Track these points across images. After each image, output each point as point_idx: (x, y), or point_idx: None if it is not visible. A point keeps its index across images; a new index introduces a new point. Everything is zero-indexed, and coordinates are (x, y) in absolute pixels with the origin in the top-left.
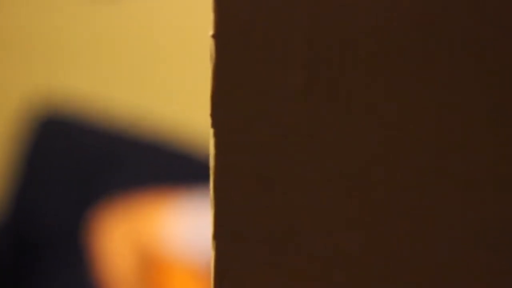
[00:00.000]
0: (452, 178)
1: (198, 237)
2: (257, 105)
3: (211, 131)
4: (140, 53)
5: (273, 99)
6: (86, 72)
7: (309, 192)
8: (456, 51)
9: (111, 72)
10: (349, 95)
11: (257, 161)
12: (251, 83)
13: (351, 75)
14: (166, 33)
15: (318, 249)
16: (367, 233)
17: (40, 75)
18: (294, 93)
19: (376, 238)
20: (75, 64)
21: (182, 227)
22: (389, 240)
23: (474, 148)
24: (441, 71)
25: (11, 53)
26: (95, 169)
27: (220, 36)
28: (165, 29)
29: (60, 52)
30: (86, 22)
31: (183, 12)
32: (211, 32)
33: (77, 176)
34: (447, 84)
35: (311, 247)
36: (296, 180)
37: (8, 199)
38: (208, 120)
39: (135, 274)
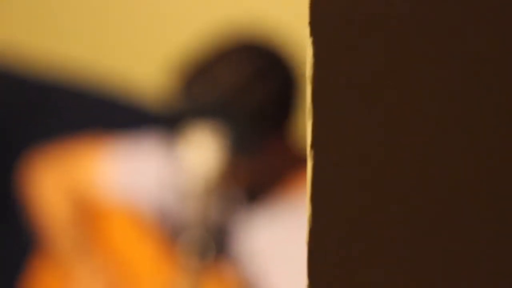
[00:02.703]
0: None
1: (135, 182)
2: (355, 10)
3: (309, 41)
4: (73, 3)
5: (372, 4)
6: (17, 20)
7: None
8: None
9: (42, 20)
10: None
11: (355, 68)
12: None
13: None
14: None
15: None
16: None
17: None
18: None
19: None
20: (7, 13)
21: (118, 172)
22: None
23: None
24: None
25: None
26: (24, 117)
27: None
28: None
29: None
30: None
31: None
32: None
33: (4, 124)
34: None
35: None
36: (396, 84)
37: None
38: (140, 66)
39: (71, 221)
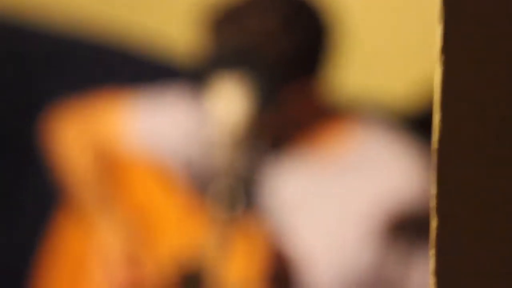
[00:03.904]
0: None
1: (159, 134)
2: None
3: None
4: None
5: None
6: None
7: None
8: None
9: None
10: None
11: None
12: None
13: None
14: None
15: None
16: None
17: None
18: None
19: None
20: None
21: (141, 125)
22: None
23: None
24: None
25: None
26: (47, 71)
27: None
28: None
29: None
30: None
31: None
32: None
33: (23, 79)
34: None
35: None
36: None
37: None
38: (165, 18)
39: (94, 174)
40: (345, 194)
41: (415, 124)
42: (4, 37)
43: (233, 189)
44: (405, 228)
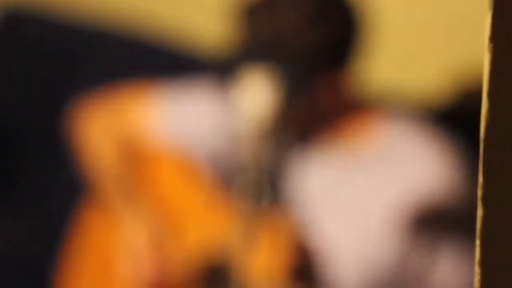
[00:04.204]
0: None
1: (185, 127)
2: None
3: None
4: None
5: None
6: None
7: None
8: None
9: None
10: None
11: None
12: None
13: None
14: None
15: None
16: None
17: None
18: None
19: None
20: None
21: (167, 118)
22: None
23: None
24: None
25: None
26: (74, 63)
27: None
28: None
29: None
30: None
31: None
32: None
33: (50, 72)
34: None
35: None
36: None
37: None
38: (185, 14)
39: (119, 167)
40: (371, 188)
41: (443, 118)
42: (31, 32)
43: (258, 182)
44: (430, 223)
